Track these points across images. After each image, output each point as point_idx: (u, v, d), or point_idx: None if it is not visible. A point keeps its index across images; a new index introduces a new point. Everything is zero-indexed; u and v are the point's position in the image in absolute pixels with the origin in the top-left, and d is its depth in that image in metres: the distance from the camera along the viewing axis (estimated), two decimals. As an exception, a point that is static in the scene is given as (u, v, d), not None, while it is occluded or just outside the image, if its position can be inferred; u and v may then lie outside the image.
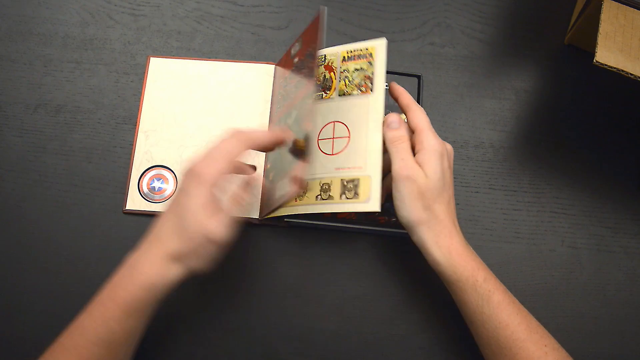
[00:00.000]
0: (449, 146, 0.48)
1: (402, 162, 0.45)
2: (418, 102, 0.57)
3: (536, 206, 0.57)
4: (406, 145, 0.46)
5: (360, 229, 0.54)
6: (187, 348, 0.51)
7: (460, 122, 0.59)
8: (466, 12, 0.63)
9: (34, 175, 0.56)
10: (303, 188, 0.49)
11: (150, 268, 0.42)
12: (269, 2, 0.63)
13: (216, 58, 0.60)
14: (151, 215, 0.54)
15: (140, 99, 0.58)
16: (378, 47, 0.49)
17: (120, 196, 0.55)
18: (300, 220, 0.53)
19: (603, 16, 0.50)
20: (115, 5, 0.62)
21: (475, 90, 0.60)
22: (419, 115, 0.48)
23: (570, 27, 0.62)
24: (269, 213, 0.52)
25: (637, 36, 0.50)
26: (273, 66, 0.58)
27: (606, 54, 0.48)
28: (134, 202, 0.54)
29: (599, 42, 0.48)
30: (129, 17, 0.61)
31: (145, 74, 0.58)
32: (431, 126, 0.47)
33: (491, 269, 0.45)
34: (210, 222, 0.42)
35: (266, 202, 0.53)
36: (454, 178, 0.57)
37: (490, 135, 0.59)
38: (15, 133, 0.57)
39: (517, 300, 0.45)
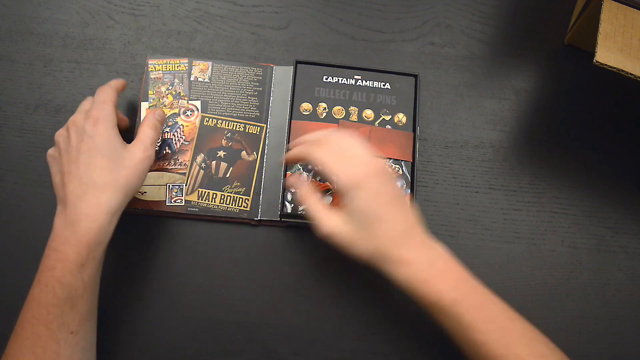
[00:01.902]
0: (371, 167, 0.44)
1: (320, 220, 0.45)
2: (414, 101, 0.57)
3: (536, 206, 0.57)
4: (314, 200, 0.46)
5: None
6: (186, 348, 0.51)
7: (460, 122, 0.59)
8: (466, 12, 0.63)
9: (34, 175, 0.56)
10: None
11: (93, 221, 0.43)
12: (269, 2, 0.63)
13: (216, 58, 0.60)
14: (151, 216, 0.54)
15: (139, 99, 0.58)
16: None
17: (120, 196, 0.55)
18: (300, 220, 0.53)
19: (603, 16, 0.50)
20: (115, 5, 0.62)
21: (475, 90, 0.60)
22: (312, 155, 0.45)
23: (570, 27, 0.62)
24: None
25: (637, 36, 0.49)
26: (272, 68, 0.58)
27: (606, 54, 0.48)
28: (133, 202, 0.54)
29: (598, 42, 0.48)
30: (129, 17, 0.61)
31: (144, 75, 0.58)
32: (330, 158, 0.44)
33: (491, 269, 0.45)
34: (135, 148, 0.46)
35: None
36: (454, 178, 0.57)
37: (490, 135, 0.59)
38: (15, 133, 0.57)
39: (498, 311, 0.43)
